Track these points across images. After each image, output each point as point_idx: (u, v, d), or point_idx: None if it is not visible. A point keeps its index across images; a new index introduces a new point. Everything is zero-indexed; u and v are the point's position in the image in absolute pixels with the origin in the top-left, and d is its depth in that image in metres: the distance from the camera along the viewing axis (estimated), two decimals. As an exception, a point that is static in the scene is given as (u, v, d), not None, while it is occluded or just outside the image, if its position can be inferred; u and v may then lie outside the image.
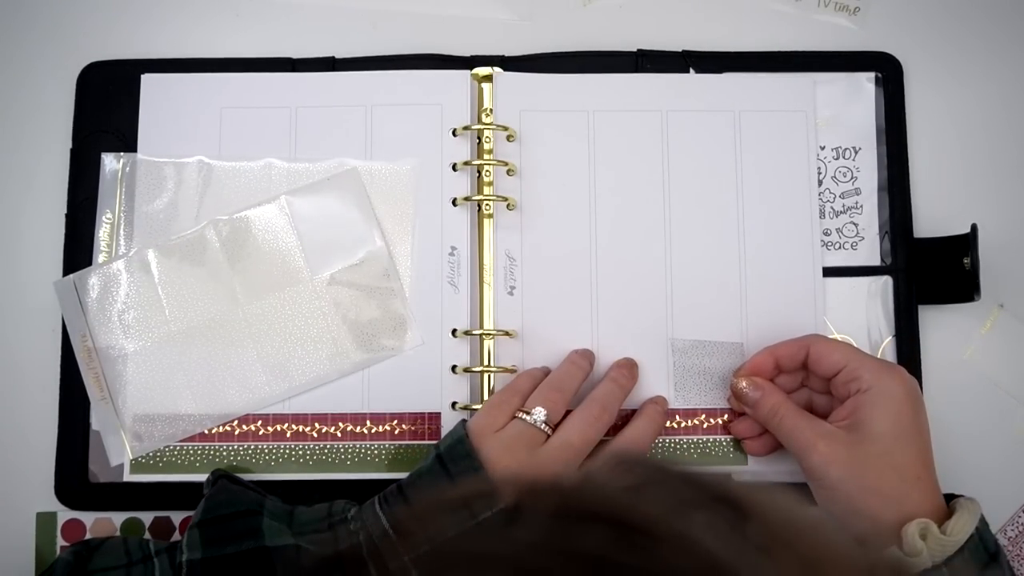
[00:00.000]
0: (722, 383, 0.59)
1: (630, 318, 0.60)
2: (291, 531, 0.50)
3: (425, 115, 0.61)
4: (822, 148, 0.62)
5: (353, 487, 0.56)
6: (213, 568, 0.48)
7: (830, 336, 0.59)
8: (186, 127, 0.61)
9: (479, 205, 0.60)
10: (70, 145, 0.61)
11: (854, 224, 0.61)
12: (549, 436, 0.53)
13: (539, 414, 0.53)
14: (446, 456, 0.52)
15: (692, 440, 0.59)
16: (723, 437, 0.59)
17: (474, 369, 0.59)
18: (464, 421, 0.55)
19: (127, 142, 0.61)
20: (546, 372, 0.58)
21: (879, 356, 0.60)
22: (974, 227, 0.57)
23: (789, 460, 0.56)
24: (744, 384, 0.56)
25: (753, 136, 0.61)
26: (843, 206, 0.61)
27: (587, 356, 0.58)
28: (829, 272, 0.60)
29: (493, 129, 0.60)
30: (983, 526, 0.50)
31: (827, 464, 0.51)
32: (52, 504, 0.59)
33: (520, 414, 0.53)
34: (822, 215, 0.61)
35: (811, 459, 0.52)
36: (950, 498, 0.52)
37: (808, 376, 0.57)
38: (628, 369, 0.58)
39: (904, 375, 0.53)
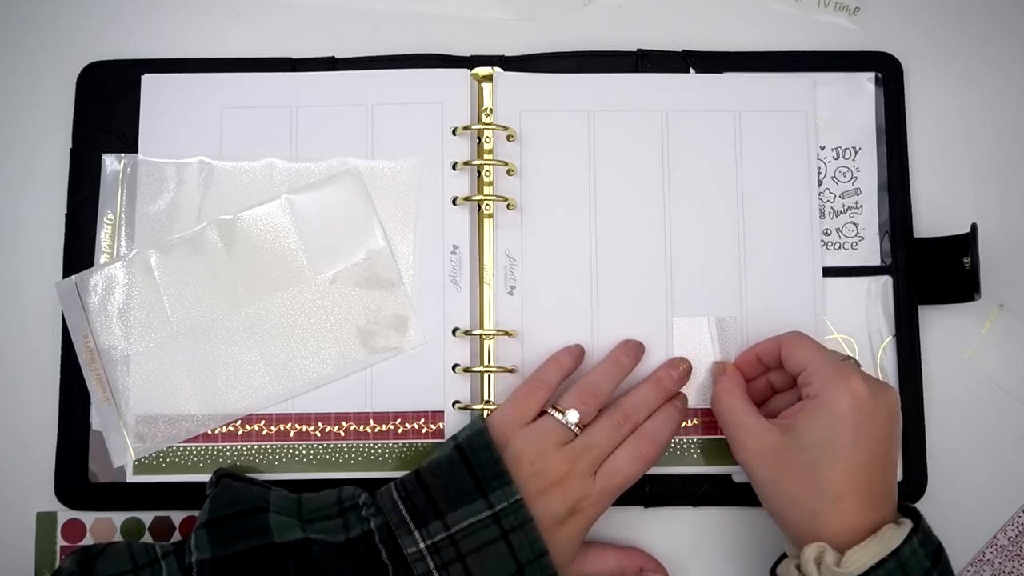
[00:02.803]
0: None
1: (630, 318, 0.60)
2: (299, 520, 0.50)
3: (425, 114, 0.61)
4: (822, 148, 0.62)
5: (356, 486, 0.56)
6: (224, 567, 0.48)
7: (828, 336, 0.59)
8: (186, 127, 0.61)
9: (479, 205, 0.60)
10: (70, 145, 0.61)
11: (854, 224, 0.61)
12: (577, 435, 0.54)
13: (572, 416, 0.53)
14: (465, 446, 0.52)
15: (691, 440, 0.59)
16: (722, 437, 0.59)
17: (474, 369, 0.59)
18: (482, 414, 0.54)
19: (127, 142, 0.61)
20: (575, 359, 0.57)
21: (878, 356, 0.60)
22: (974, 227, 0.57)
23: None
24: (713, 366, 0.58)
25: (753, 136, 0.61)
26: (843, 206, 0.61)
27: (636, 349, 0.58)
28: (829, 272, 0.61)
29: (493, 129, 0.60)
30: (911, 553, 0.47)
31: (753, 463, 0.52)
32: (52, 504, 0.59)
33: (554, 412, 0.54)
34: (822, 215, 0.61)
35: (739, 455, 0.53)
36: (911, 512, 0.50)
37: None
38: (677, 375, 0.57)
39: (855, 389, 0.49)
